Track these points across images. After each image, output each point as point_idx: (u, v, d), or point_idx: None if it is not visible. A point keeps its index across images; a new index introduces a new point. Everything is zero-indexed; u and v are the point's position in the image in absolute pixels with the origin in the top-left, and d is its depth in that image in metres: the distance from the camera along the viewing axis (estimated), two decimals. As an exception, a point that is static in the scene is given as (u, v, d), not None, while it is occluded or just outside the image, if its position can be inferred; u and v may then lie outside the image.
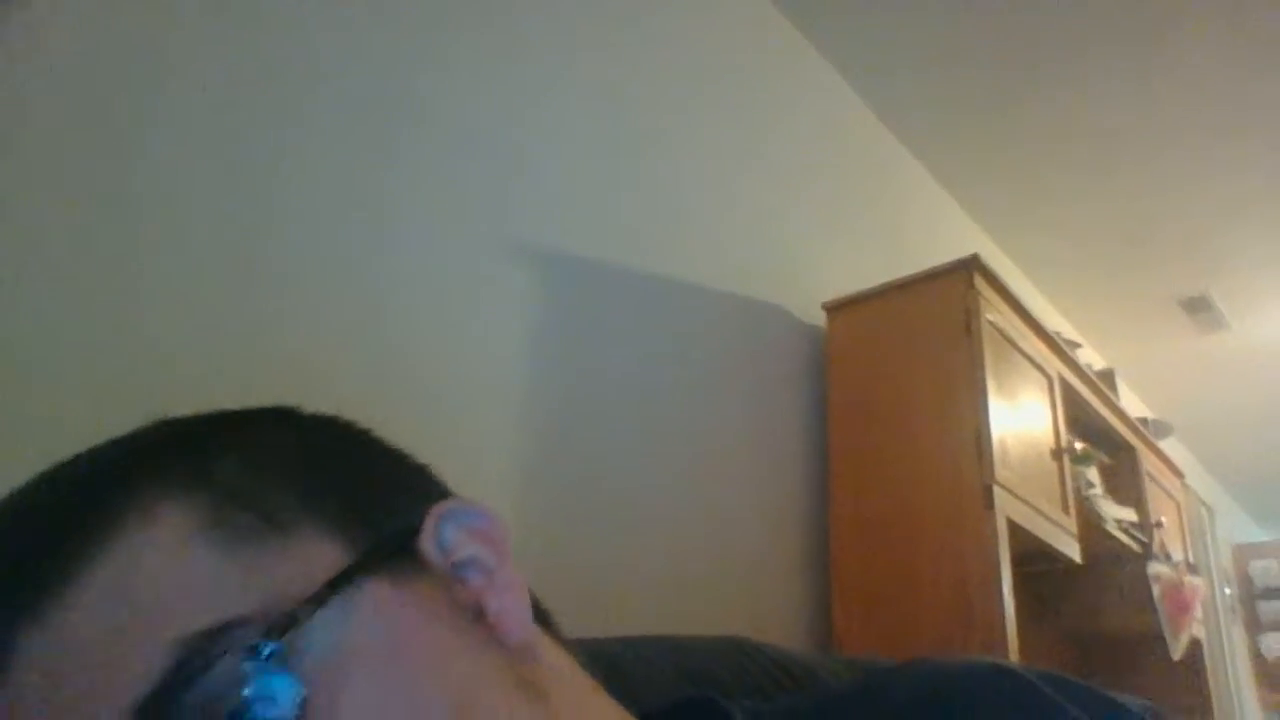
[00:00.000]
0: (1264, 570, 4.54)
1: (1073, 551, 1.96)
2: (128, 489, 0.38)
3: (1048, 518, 1.86)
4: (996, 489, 1.67)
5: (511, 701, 0.39)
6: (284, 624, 0.35)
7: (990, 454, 1.69)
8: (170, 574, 0.36)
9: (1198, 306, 3.41)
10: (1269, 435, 4.30)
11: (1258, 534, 5.16)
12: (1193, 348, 3.68)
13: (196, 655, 0.34)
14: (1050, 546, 1.87)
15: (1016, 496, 1.74)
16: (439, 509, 0.43)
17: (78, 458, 0.42)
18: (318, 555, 0.38)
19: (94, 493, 0.39)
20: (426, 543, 0.42)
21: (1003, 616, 1.57)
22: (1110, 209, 2.95)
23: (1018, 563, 1.70)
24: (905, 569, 1.70)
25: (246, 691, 0.33)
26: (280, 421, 0.45)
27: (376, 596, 0.38)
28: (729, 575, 1.65)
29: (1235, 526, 4.78)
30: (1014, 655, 1.56)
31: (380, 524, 0.41)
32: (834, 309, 2.02)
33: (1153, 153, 2.69)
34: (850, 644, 1.71)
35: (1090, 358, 3.11)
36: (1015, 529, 1.71)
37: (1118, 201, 2.91)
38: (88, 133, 1.01)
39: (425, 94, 1.39)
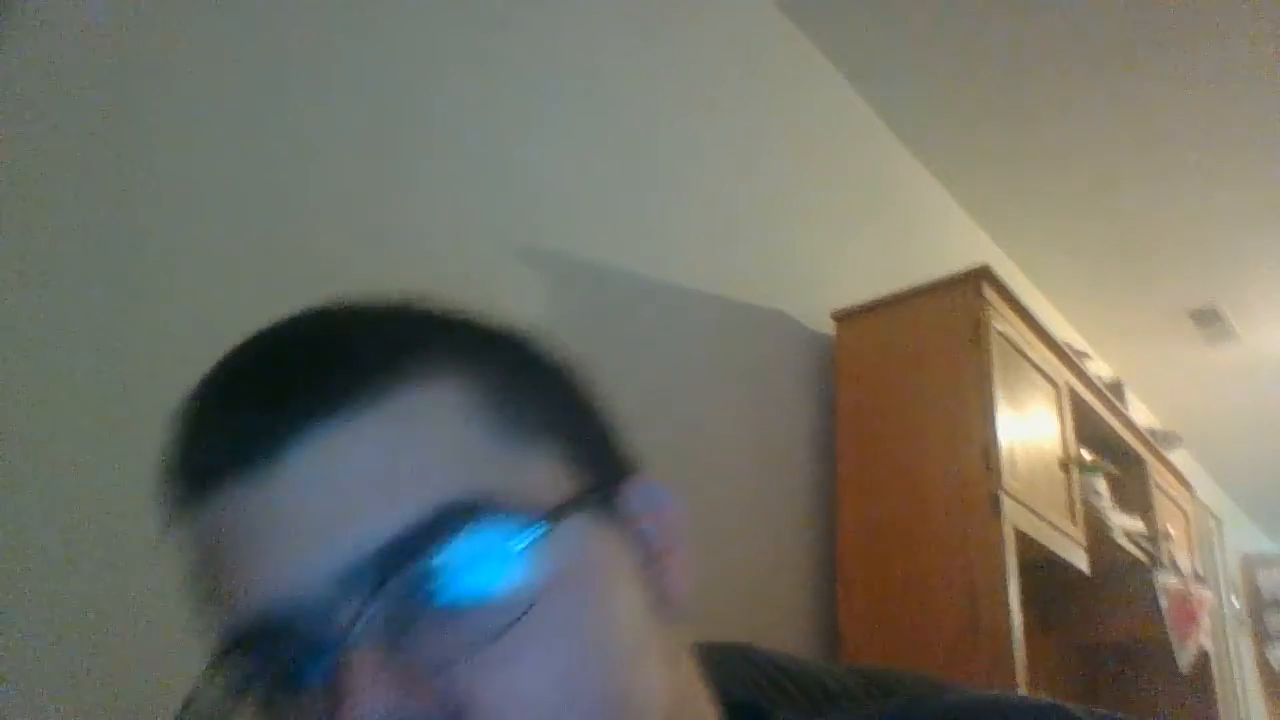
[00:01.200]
0: (1272, 581, 4.51)
1: (1080, 562, 1.95)
2: (421, 346, 0.40)
3: (1055, 527, 1.86)
4: (1004, 498, 1.67)
5: (664, 665, 0.41)
6: (536, 525, 0.37)
7: (998, 463, 1.69)
8: (446, 439, 0.38)
9: (1207, 318, 3.40)
10: (1277, 446, 4.28)
11: (1266, 545, 5.13)
12: (1201, 359, 3.67)
13: (453, 521, 0.35)
14: (1058, 556, 1.87)
15: (1024, 506, 1.74)
16: (639, 478, 0.46)
17: (371, 301, 0.43)
18: (553, 474, 0.40)
19: (393, 337, 0.40)
20: (624, 503, 0.44)
21: (1009, 625, 1.58)
22: (1119, 219, 2.95)
23: (1025, 572, 1.70)
24: (912, 577, 1.70)
25: (490, 576, 0.35)
26: (540, 343, 0.47)
27: (593, 532, 0.40)
28: (734, 581, 1.65)
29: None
30: (1021, 665, 1.56)
31: (598, 468, 0.43)
32: (843, 318, 2.03)
33: (1162, 164, 2.69)
34: (856, 652, 1.71)
35: (1099, 368, 3.10)
36: (1023, 538, 1.71)
37: (1127, 212, 2.91)
38: (91, 134, 1.02)
39: (429, 103, 1.40)
